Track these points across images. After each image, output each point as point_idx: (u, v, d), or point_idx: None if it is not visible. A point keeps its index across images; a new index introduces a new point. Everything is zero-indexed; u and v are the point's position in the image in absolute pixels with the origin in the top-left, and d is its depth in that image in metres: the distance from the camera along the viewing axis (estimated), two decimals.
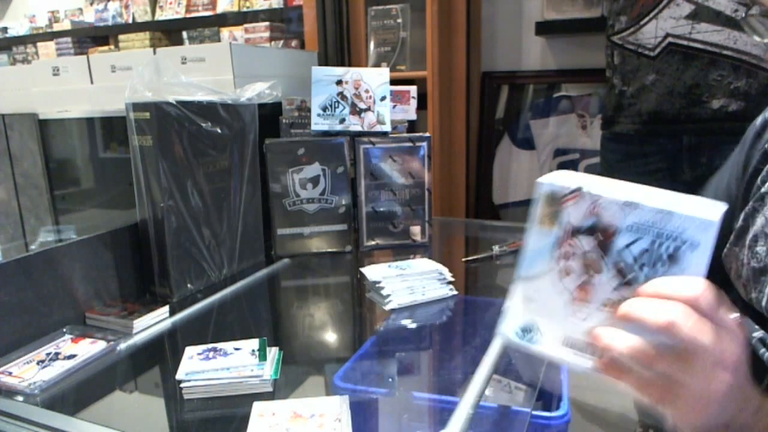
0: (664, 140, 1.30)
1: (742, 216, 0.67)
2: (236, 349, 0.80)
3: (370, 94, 1.28)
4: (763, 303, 0.60)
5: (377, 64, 2.08)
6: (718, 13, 1.16)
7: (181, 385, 0.73)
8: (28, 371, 0.77)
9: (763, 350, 0.63)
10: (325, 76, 1.27)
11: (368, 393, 0.75)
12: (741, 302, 0.70)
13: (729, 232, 0.71)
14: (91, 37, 3.25)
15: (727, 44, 1.17)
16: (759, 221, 0.64)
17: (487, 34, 2.32)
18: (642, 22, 1.25)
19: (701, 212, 0.43)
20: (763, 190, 0.64)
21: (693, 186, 1.18)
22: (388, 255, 1.28)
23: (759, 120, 0.71)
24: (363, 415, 0.69)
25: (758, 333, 0.65)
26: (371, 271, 1.03)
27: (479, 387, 0.67)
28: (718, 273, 0.73)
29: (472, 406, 0.58)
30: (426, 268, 1.03)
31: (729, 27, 1.16)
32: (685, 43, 1.21)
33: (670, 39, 1.22)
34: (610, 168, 1.44)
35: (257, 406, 0.68)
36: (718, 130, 1.24)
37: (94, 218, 1.60)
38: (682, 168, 1.30)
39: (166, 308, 0.99)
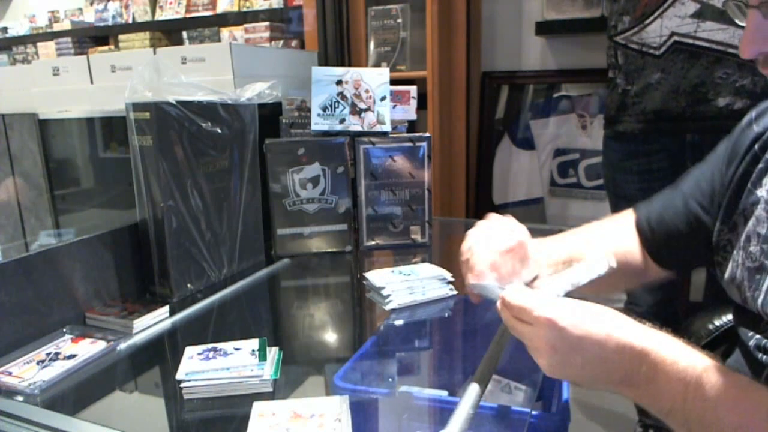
0: (668, 139, 1.30)
1: (739, 219, 0.67)
2: (236, 349, 0.80)
3: (370, 94, 1.28)
4: (759, 301, 0.60)
5: (377, 64, 2.08)
6: (723, 11, 1.16)
7: (181, 385, 0.73)
8: (28, 371, 0.77)
9: (761, 355, 0.64)
10: (325, 76, 1.27)
11: (368, 393, 0.75)
12: (734, 305, 0.70)
13: (709, 228, 0.72)
14: (91, 37, 3.24)
15: (732, 42, 1.17)
16: (751, 222, 0.64)
17: (487, 34, 2.32)
18: (647, 22, 1.25)
19: None
20: (759, 193, 0.64)
21: None
22: (388, 255, 1.28)
23: (746, 118, 0.72)
24: (363, 415, 0.69)
25: (753, 341, 0.65)
26: (375, 277, 1.02)
27: (479, 387, 0.67)
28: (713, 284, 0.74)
29: (472, 406, 0.57)
30: (431, 274, 1.02)
31: (734, 25, 1.16)
32: (690, 41, 1.21)
33: (675, 38, 1.22)
34: (612, 167, 1.43)
35: (257, 406, 0.68)
36: (723, 128, 1.24)
37: (94, 218, 1.59)
38: (684, 166, 1.30)
39: (166, 308, 0.98)
